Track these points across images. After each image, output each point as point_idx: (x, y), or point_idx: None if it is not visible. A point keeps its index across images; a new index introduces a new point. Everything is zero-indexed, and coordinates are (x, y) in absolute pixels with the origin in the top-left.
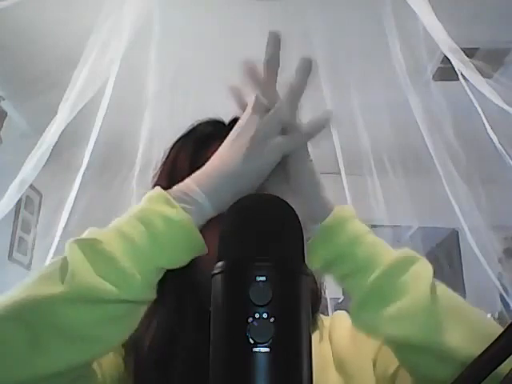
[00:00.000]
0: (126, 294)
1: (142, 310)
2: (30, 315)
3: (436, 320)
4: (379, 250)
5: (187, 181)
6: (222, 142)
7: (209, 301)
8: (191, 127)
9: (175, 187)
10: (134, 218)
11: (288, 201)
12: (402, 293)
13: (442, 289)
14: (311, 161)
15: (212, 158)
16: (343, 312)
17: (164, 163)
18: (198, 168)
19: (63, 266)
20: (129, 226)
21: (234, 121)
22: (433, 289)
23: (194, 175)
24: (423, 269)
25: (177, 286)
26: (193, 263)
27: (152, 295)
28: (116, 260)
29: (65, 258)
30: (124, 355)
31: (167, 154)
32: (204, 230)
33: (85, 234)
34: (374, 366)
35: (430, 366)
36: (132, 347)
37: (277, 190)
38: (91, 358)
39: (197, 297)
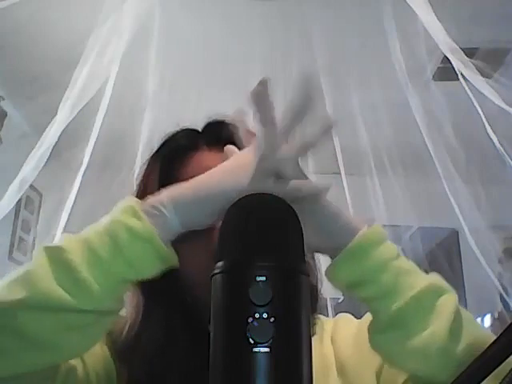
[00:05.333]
0: (84, 303)
1: (108, 320)
2: None
3: (451, 359)
4: (405, 278)
5: (163, 192)
6: (197, 152)
7: (198, 315)
8: (161, 142)
9: (150, 198)
10: (101, 229)
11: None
12: (423, 327)
13: (466, 322)
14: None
15: (201, 175)
16: (347, 314)
17: (138, 184)
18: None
19: (29, 272)
20: (95, 237)
21: (208, 126)
22: (454, 323)
23: (172, 187)
24: (447, 302)
25: (164, 301)
26: (179, 277)
27: (116, 306)
28: (76, 270)
29: (32, 264)
30: (117, 364)
31: (141, 173)
32: (186, 243)
33: (56, 241)
34: (378, 379)
35: None
36: (125, 357)
37: None
38: (53, 364)
39: (185, 310)
